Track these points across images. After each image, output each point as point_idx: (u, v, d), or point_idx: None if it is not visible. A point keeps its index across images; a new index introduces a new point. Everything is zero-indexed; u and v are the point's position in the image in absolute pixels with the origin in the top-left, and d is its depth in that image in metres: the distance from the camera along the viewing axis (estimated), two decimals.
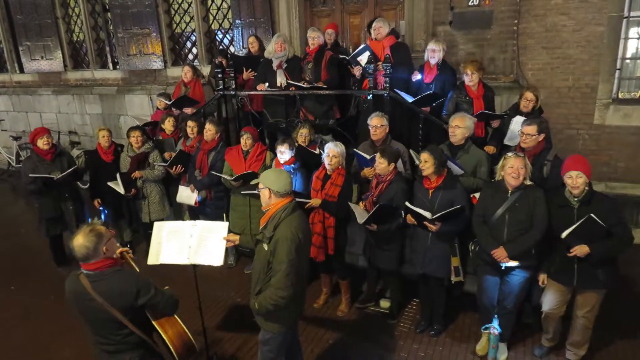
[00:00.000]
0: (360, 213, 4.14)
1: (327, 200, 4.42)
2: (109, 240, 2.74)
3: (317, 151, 4.97)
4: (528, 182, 3.69)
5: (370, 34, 5.97)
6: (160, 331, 2.88)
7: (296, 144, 4.92)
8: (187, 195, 5.53)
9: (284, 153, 4.68)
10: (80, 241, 2.64)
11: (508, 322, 3.94)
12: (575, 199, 3.51)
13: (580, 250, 3.44)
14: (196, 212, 5.65)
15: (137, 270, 3.03)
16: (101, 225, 2.79)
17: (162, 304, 2.84)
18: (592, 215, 3.34)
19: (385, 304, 4.80)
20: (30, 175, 5.29)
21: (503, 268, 3.75)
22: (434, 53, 5.36)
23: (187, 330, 3.03)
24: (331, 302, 4.97)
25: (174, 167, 5.55)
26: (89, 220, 5.92)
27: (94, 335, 2.85)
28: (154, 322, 2.87)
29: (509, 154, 3.74)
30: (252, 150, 5.16)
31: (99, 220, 2.88)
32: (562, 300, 3.78)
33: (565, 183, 3.55)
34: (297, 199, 4.30)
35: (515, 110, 4.94)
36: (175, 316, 3.01)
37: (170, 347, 2.89)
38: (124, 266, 2.94)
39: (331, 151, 4.42)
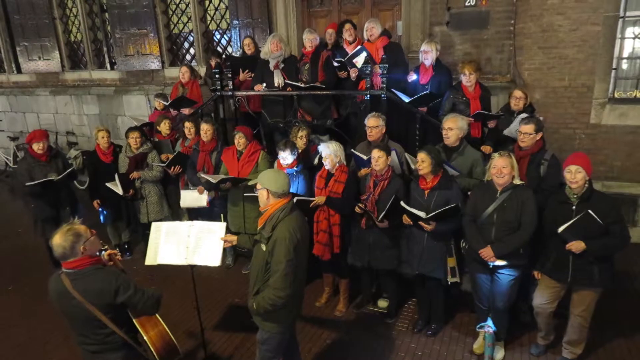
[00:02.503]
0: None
1: (332, 197, 4.44)
2: (88, 239, 2.74)
3: (315, 161, 5.01)
4: (517, 182, 3.71)
5: (342, 36, 6.02)
6: (141, 331, 2.87)
7: (299, 151, 4.92)
8: (193, 198, 5.48)
9: (286, 158, 4.68)
10: (57, 240, 2.65)
11: (501, 321, 3.95)
12: (575, 196, 3.54)
13: (577, 245, 3.45)
14: (204, 214, 5.57)
15: (124, 271, 3.02)
16: (81, 224, 2.79)
17: (142, 303, 2.83)
18: (589, 211, 3.37)
19: (383, 303, 4.82)
20: (27, 184, 5.27)
21: (491, 267, 3.78)
22: (427, 54, 5.39)
23: (169, 332, 3.01)
24: (330, 302, 4.98)
25: (172, 167, 5.55)
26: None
27: (77, 336, 2.86)
28: (135, 322, 2.86)
29: (495, 154, 3.77)
30: (246, 150, 5.17)
31: (79, 220, 2.88)
32: (553, 296, 3.81)
33: (564, 179, 3.57)
34: (302, 198, 4.36)
35: (507, 109, 4.96)
36: (157, 316, 2.99)
37: (152, 348, 2.88)
38: (109, 266, 2.94)
39: (323, 152, 4.48)
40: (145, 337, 2.86)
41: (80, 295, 2.67)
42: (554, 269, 3.71)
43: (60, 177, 5.37)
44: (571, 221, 3.45)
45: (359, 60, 5.46)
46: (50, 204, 5.55)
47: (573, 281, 3.64)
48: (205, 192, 5.43)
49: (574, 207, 3.53)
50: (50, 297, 2.80)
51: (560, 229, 3.48)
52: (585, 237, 3.44)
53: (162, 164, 5.61)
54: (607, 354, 4.08)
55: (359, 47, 5.64)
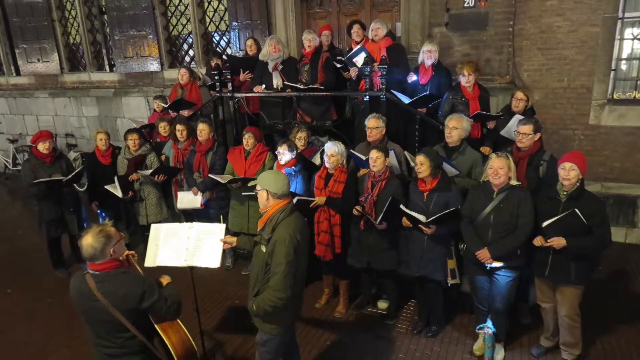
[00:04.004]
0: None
1: (332, 197, 4.44)
2: (118, 242, 2.74)
3: (318, 162, 5.00)
4: (514, 183, 3.72)
5: (350, 36, 6.02)
6: (163, 336, 2.86)
7: (298, 151, 4.92)
8: (189, 199, 5.49)
9: (284, 154, 4.69)
10: (88, 241, 2.64)
11: (500, 323, 3.92)
12: (565, 193, 3.56)
13: (557, 241, 3.49)
14: (198, 215, 5.58)
15: (142, 273, 3.02)
16: (112, 226, 2.80)
17: (165, 309, 2.83)
18: (575, 210, 3.39)
19: (382, 304, 4.82)
20: (37, 180, 5.25)
21: (488, 269, 3.79)
22: (430, 54, 5.39)
23: (190, 337, 3.02)
24: (330, 303, 4.98)
25: (157, 175, 5.51)
26: (85, 223, 5.96)
27: (95, 338, 2.83)
28: (156, 326, 2.86)
29: (492, 154, 3.78)
30: (253, 150, 5.18)
31: (110, 222, 2.88)
32: (547, 292, 3.86)
33: (558, 175, 3.59)
34: (302, 198, 4.36)
35: (508, 110, 4.97)
36: (179, 321, 3.00)
37: (173, 353, 2.87)
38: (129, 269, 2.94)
39: (329, 150, 4.46)
40: (167, 342, 2.86)
41: (105, 298, 2.65)
42: (535, 265, 3.77)
43: (70, 176, 5.37)
44: (556, 217, 3.47)
45: (359, 60, 5.47)
46: (56, 206, 5.54)
47: (550, 276, 3.71)
48: (200, 193, 5.43)
49: (561, 205, 3.56)
50: (71, 296, 2.78)
51: (545, 224, 3.51)
52: (567, 235, 3.48)
53: (146, 173, 5.54)
54: (607, 354, 4.08)
55: (358, 47, 5.64)
